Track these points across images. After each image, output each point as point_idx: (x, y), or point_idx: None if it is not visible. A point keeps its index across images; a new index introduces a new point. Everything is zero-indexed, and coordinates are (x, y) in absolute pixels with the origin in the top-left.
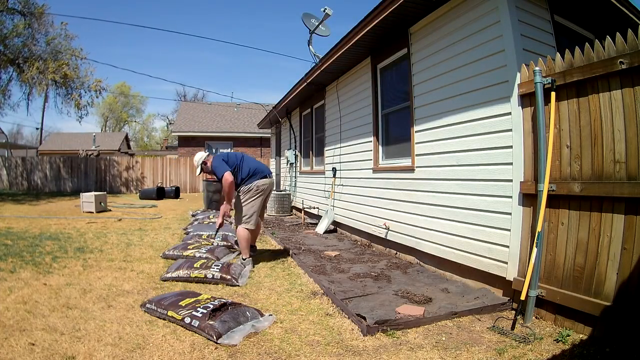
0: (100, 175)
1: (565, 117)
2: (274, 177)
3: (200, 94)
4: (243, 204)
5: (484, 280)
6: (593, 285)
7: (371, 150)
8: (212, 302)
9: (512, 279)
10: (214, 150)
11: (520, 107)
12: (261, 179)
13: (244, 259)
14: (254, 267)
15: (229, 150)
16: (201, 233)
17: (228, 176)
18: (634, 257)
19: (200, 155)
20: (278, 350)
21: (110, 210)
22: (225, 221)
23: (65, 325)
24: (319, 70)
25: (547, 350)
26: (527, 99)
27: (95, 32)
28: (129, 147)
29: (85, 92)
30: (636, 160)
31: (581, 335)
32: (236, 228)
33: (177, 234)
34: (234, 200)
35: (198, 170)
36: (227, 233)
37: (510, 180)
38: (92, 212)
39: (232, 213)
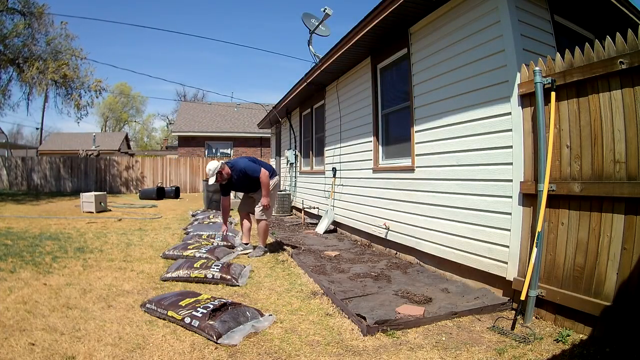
0: (100, 175)
1: (565, 117)
2: None
3: (200, 94)
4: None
5: (484, 280)
6: (593, 285)
7: (371, 150)
8: (212, 302)
9: (512, 279)
10: (213, 151)
11: (520, 107)
12: (276, 176)
13: (261, 246)
14: (268, 254)
15: (229, 150)
16: (201, 233)
17: (265, 172)
18: (634, 257)
19: (215, 165)
20: (278, 350)
21: (110, 210)
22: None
23: (65, 325)
24: (319, 70)
25: (547, 350)
26: (527, 99)
27: (95, 32)
28: (129, 147)
29: (85, 92)
30: (636, 160)
31: (581, 335)
32: (256, 222)
33: (177, 234)
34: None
35: (213, 179)
36: (227, 233)
37: (510, 180)
38: (92, 212)
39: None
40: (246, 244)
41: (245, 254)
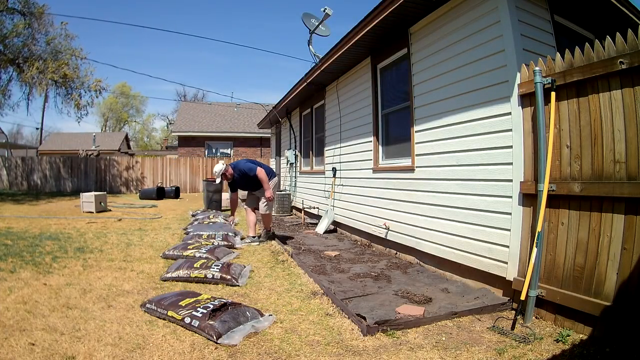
0: (100, 175)
1: (565, 117)
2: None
3: (200, 94)
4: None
5: (484, 280)
6: (593, 285)
7: (371, 150)
8: (212, 302)
9: (512, 279)
10: (213, 151)
11: (520, 107)
12: (275, 177)
13: (267, 231)
14: (269, 241)
15: (229, 150)
16: (201, 233)
17: (260, 170)
18: (634, 257)
19: (220, 167)
20: (278, 350)
21: (110, 210)
22: (225, 221)
23: (65, 325)
24: (319, 70)
25: (547, 350)
26: (527, 99)
27: (95, 32)
28: (129, 147)
29: (85, 92)
30: (636, 160)
31: (581, 335)
32: (261, 215)
33: (177, 234)
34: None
35: (218, 179)
36: (227, 233)
37: (510, 180)
38: (92, 212)
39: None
40: (253, 237)
41: (252, 244)
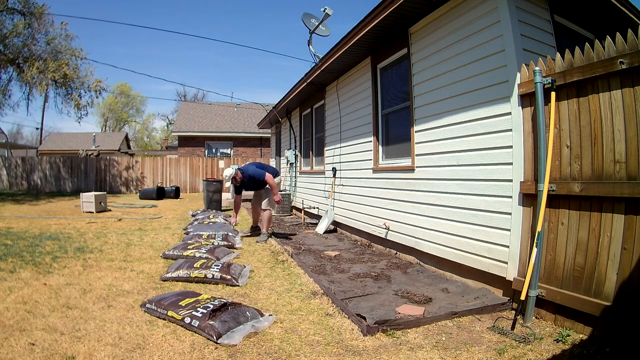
0: (100, 175)
1: (565, 117)
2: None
3: (200, 94)
4: (270, 195)
5: (484, 280)
6: (593, 285)
7: (371, 150)
8: (212, 302)
9: (512, 279)
10: (213, 151)
11: (520, 107)
12: (278, 176)
13: (265, 232)
14: (267, 240)
15: (229, 150)
16: (201, 233)
17: (269, 176)
18: (634, 257)
19: (230, 172)
20: (278, 350)
21: (110, 210)
22: (225, 221)
23: (65, 325)
24: (319, 70)
25: (547, 350)
26: (527, 99)
27: (95, 32)
28: (129, 147)
29: (85, 92)
30: (636, 160)
31: (581, 335)
32: (262, 211)
33: (177, 234)
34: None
35: (228, 183)
36: (227, 233)
37: (510, 180)
38: (92, 212)
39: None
40: (265, 232)
41: (251, 235)
